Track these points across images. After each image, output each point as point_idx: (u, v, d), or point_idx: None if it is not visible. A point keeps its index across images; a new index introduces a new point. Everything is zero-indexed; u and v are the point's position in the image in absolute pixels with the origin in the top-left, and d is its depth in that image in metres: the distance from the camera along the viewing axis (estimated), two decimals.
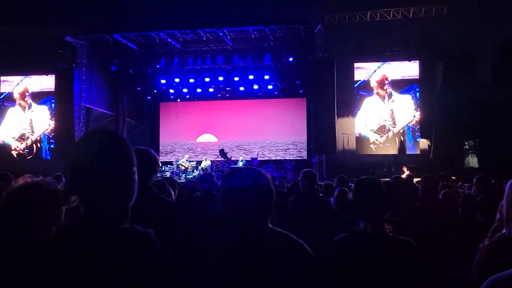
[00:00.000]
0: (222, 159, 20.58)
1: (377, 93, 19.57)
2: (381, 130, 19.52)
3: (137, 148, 3.15)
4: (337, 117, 19.01)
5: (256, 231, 1.90)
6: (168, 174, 19.77)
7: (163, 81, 22.32)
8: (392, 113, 19.46)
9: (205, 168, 19.90)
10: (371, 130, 19.57)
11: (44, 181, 2.10)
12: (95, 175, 1.45)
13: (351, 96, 19.64)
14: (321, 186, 8.92)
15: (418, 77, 19.42)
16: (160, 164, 19.45)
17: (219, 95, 23.56)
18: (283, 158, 21.47)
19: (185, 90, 23.12)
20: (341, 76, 19.17)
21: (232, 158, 21.09)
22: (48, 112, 20.57)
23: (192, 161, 21.04)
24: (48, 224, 1.91)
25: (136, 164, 1.59)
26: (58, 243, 1.41)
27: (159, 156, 22.54)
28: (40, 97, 20.74)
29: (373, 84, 19.59)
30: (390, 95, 19.51)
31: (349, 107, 19.68)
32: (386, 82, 19.56)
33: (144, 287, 1.40)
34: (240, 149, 23.75)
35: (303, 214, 5.27)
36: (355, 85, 19.76)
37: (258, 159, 20.26)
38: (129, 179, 1.54)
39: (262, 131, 23.65)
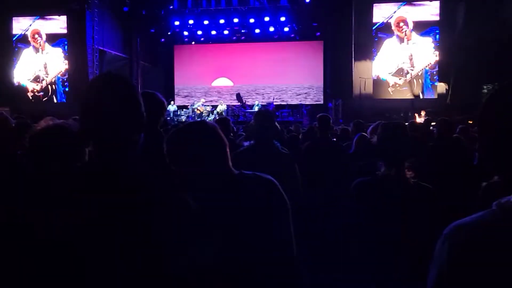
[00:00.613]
0: (238, 103, 20.56)
1: (397, 35, 19.11)
2: (399, 73, 19.19)
3: (144, 91, 3.16)
4: (355, 61, 18.67)
5: (218, 177, 1.86)
6: (183, 118, 19.88)
7: (176, 23, 22.02)
8: (411, 56, 19.04)
9: (221, 113, 19.95)
10: (389, 73, 19.26)
11: (66, 123, 2.14)
12: (103, 116, 1.47)
13: (369, 38, 19.18)
14: (337, 131, 8.94)
15: (438, 19, 18.85)
16: (176, 108, 19.58)
17: (234, 38, 23.23)
18: (299, 103, 21.39)
19: (199, 33, 22.82)
20: (359, 18, 18.67)
21: (248, 103, 21.05)
22: (62, 55, 20.53)
23: (208, 105, 21.08)
24: (72, 165, 1.96)
25: (142, 104, 1.59)
26: (80, 180, 1.45)
27: (174, 99, 22.78)
28: (53, 39, 20.65)
29: (393, 26, 19.10)
30: (409, 37, 19.03)
31: (367, 50, 19.27)
32: (402, 24, 19.02)
33: (159, 237, 1.39)
34: (257, 93, 23.65)
35: (317, 159, 5.30)
36: (374, 28, 19.27)
37: (274, 103, 20.20)
38: (136, 117, 1.56)
39: (278, 75, 23.44)
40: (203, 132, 1.88)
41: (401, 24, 19.03)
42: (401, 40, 19.09)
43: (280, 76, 23.41)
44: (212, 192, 1.81)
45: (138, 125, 1.56)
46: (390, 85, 19.22)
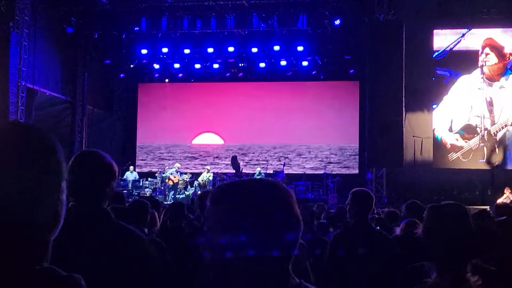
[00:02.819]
0: (231, 171, 20.58)
1: (481, 69, 19.38)
2: (468, 130, 19.33)
3: (83, 151, 3.19)
4: (406, 112, 18.84)
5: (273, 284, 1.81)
6: (148, 191, 19.85)
7: (144, 52, 22.49)
8: (491, 104, 19.23)
9: (204, 184, 19.93)
10: (454, 131, 19.41)
11: None
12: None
13: (427, 79, 19.48)
14: (381, 216, 8.89)
15: None
16: (136, 176, 19.59)
17: (228, 75, 23.61)
18: (322, 173, 21.40)
19: (176, 66, 23.23)
20: (413, 50, 19.00)
21: (245, 171, 21.08)
22: None
23: (186, 173, 21.12)
24: None
25: (65, 176, 1.61)
26: None
27: (135, 163, 22.85)
28: None
29: (480, 51, 19.39)
30: (495, 76, 19.28)
31: (425, 96, 19.53)
32: (488, 51, 19.32)
33: None
34: (258, 156, 23.74)
35: (351, 256, 5.26)
36: (433, 56, 19.64)
37: (285, 172, 20.22)
38: (52, 197, 1.57)
39: (292, 131, 23.63)
40: (271, 199, 1.82)
41: (486, 50, 19.29)
42: (484, 79, 19.31)
43: (295, 132, 23.59)
44: None
45: (52, 205, 1.58)
46: (448, 147, 19.30)
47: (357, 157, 23.11)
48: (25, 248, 1.52)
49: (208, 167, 21.42)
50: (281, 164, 21.94)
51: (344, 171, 22.75)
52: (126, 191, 18.20)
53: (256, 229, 1.77)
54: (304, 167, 23.15)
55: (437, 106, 19.66)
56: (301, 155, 23.76)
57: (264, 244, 1.77)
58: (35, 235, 1.54)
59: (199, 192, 18.40)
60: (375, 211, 9.52)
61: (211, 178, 20.38)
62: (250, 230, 1.77)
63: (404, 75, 18.38)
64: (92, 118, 23.49)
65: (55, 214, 1.58)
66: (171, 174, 20.52)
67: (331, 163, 23.25)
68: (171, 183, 20.32)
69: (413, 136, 19.39)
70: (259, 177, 19.87)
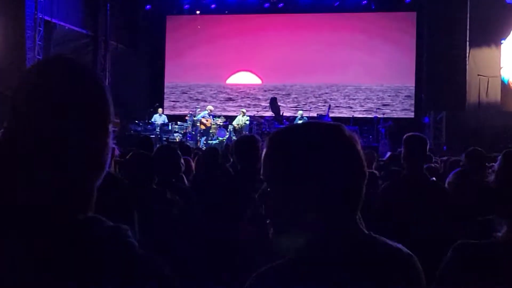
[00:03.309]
0: (270, 114, 20.62)
1: None
2: None
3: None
4: (470, 47, 18.60)
5: (341, 239, 1.84)
6: (177, 136, 19.99)
7: None
8: None
9: (240, 129, 19.99)
10: None
11: None
12: (43, 133, 1.46)
13: (495, 8, 19.12)
14: (439, 165, 8.84)
15: None
16: (165, 120, 19.69)
17: (266, 5, 23.49)
18: (373, 116, 21.35)
19: None
20: None
21: (286, 114, 21.09)
22: None
23: (219, 117, 21.21)
24: None
25: (113, 119, 1.62)
26: None
27: (163, 105, 22.97)
28: None
29: None
30: None
31: (491, 29, 19.21)
32: None
33: None
34: (300, 98, 23.70)
35: (404, 210, 5.23)
36: None
37: (330, 116, 20.18)
38: (99, 141, 1.57)
39: (339, 69, 23.54)
40: (335, 141, 1.88)
41: None
42: None
43: (342, 71, 23.50)
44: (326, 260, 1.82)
45: (101, 147, 1.57)
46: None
47: (413, 99, 23.00)
48: (70, 195, 1.51)
49: (244, 110, 21.46)
50: (326, 106, 21.90)
51: (398, 114, 22.67)
52: (153, 136, 18.37)
53: (319, 173, 1.80)
54: (352, 110, 23.09)
55: (505, 41, 19.33)
56: (348, 96, 23.71)
57: (328, 190, 1.81)
58: (79, 181, 1.53)
59: (234, 137, 18.48)
60: (433, 159, 9.49)
61: (247, 122, 20.46)
62: (313, 175, 1.80)
63: (468, 4, 18.10)
64: (116, 54, 23.56)
65: (101, 159, 1.58)
66: (203, 117, 20.63)
67: (384, 105, 23.14)
68: (203, 127, 20.44)
69: (478, 75, 19.15)
70: (301, 121, 20.01)
